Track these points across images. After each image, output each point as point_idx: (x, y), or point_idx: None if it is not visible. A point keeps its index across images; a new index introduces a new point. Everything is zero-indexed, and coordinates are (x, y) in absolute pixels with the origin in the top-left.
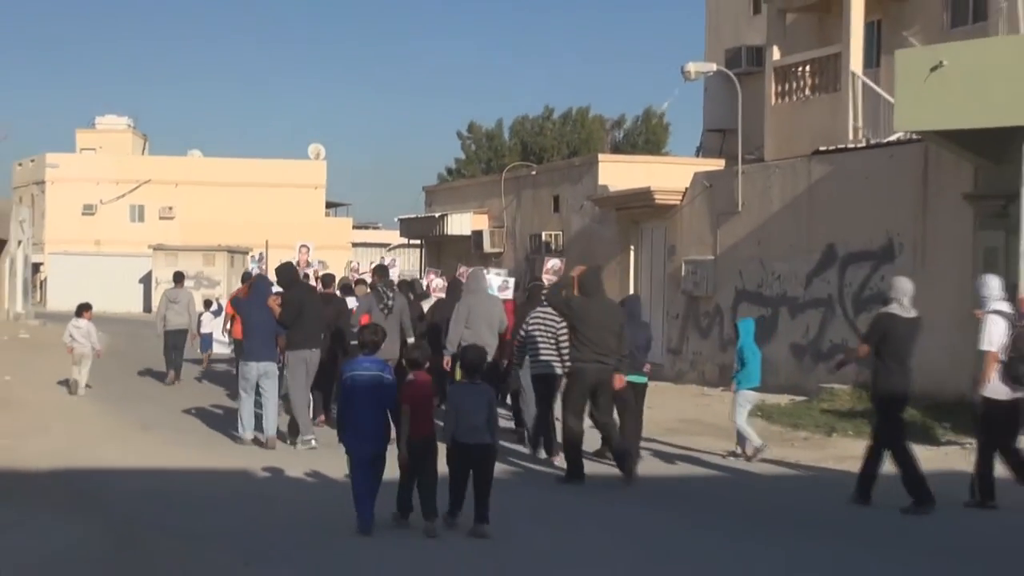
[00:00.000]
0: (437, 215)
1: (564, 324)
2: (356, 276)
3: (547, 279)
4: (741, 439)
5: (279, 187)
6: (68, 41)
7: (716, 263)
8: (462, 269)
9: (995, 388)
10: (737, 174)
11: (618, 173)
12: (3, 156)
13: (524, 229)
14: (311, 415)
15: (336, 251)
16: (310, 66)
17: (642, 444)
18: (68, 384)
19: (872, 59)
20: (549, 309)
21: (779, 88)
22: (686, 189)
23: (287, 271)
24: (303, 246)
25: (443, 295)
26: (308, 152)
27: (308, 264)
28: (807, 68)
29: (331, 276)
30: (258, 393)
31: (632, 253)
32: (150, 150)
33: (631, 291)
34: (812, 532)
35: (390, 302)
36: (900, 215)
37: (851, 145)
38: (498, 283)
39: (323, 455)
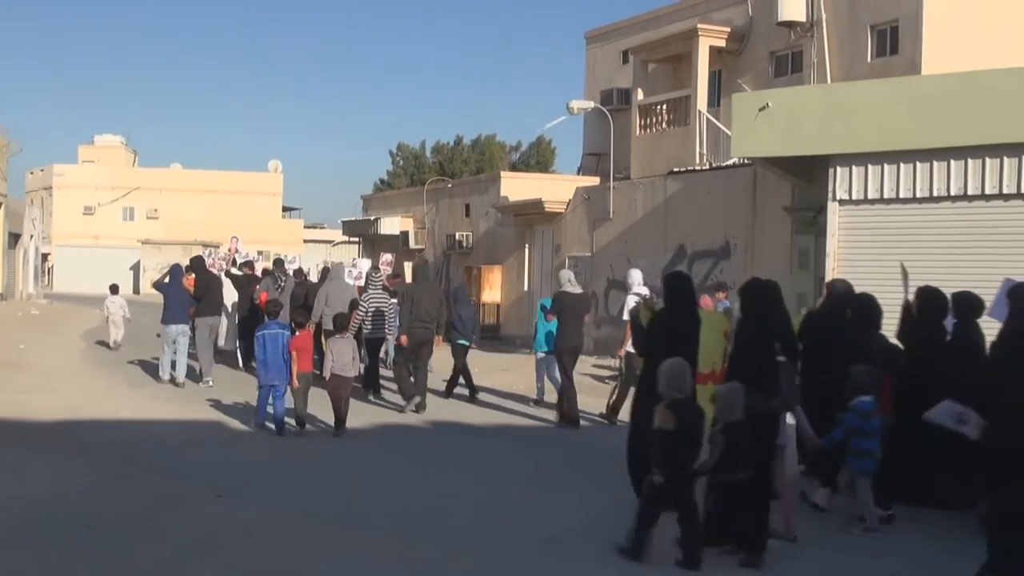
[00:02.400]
0: (372, 218)
1: (393, 302)
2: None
3: (384, 268)
4: (538, 390)
5: (244, 194)
6: (73, 72)
7: (592, 259)
8: (331, 262)
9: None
10: (610, 189)
11: (516, 187)
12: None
13: (442, 230)
14: (240, 363)
15: (290, 246)
16: (270, 93)
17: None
18: (108, 342)
19: (715, 100)
20: (381, 291)
21: (642, 121)
22: (569, 200)
23: (198, 262)
24: (233, 237)
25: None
26: (268, 166)
27: (237, 251)
28: (664, 106)
29: (251, 263)
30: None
31: (527, 250)
32: (139, 162)
33: (526, 280)
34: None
35: (282, 283)
36: (735, 222)
37: (698, 167)
38: (355, 274)
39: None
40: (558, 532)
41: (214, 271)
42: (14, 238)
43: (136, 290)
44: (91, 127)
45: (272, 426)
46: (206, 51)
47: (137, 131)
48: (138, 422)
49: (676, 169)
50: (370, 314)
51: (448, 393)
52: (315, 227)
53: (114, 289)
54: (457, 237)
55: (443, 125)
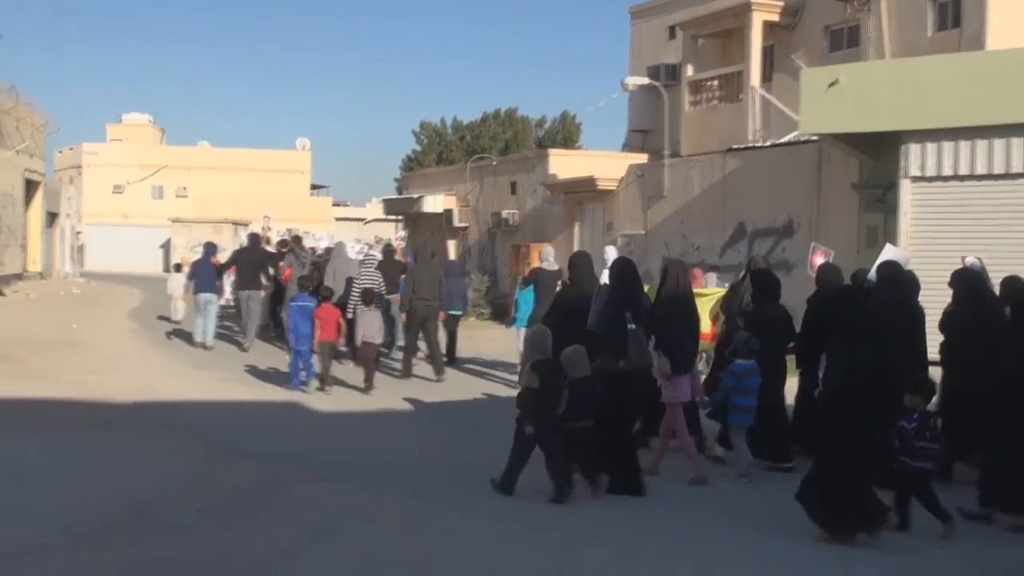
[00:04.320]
0: (415, 196)
1: (380, 278)
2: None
3: (397, 244)
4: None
5: (273, 172)
6: (99, 50)
7: (646, 236)
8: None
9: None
10: (664, 166)
11: (564, 164)
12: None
13: (486, 208)
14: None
15: (320, 224)
16: (295, 70)
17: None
18: (170, 317)
19: (767, 75)
20: (373, 271)
21: (692, 98)
22: (622, 177)
23: (253, 239)
24: (266, 216)
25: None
26: (296, 144)
27: (269, 229)
28: (715, 82)
29: (285, 241)
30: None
31: (576, 228)
32: (167, 141)
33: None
34: None
35: (304, 259)
36: (798, 200)
37: (750, 144)
38: (356, 249)
39: (347, 397)
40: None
41: (267, 248)
42: (51, 217)
43: (166, 268)
44: (118, 106)
45: (303, 388)
46: (231, 29)
47: (164, 109)
48: (212, 403)
49: (735, 146)
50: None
51: (451, 361)
52: (340, 205)
53: (177, 267)
54: (503, 215)
55: (468, 101)
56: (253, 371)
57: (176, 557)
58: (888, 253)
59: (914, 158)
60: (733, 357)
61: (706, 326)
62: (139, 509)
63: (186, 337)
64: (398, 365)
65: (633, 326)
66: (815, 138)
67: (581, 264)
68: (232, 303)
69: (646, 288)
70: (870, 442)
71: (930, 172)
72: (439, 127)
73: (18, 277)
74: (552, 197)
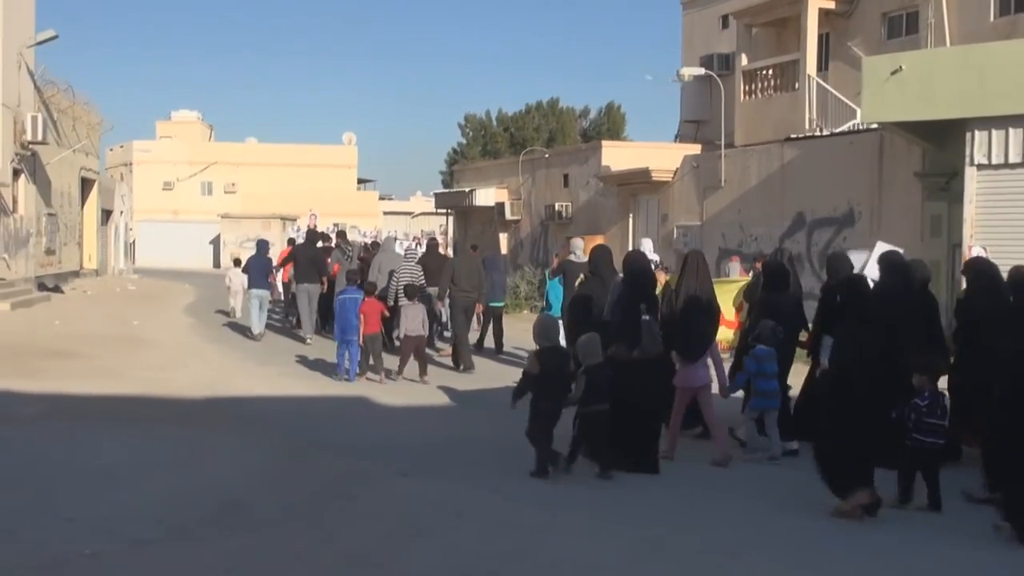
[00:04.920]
0: (467, 190)
1: (420, 272)
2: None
3: (440, 238)
4: None
5: (320, 167)
6: (149, 50)
7: (703, 227)
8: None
9: None
10: (720, 157)
11: (616, 155)
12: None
13: (539, 200)
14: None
15: (367, 218)
16: (340, 66)
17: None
18: (228, 311)
19: (823, 64)
20: (414, 265)
21: (747, 87)
22: (676, 168)
23: (312, 235)
24: (312, 214)
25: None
26: (342, 139)
27: (315, 226)
28: (770, 71)
29: (319, 235)
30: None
31: (631, 220)
32: (215, 137)
33: (631, 249)
34: None
35: (350, 253)
36: (859, 189)
37: (807, 134)
38: (405, 245)
39: (407, 389)
40: None
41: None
42: (106, 215)
43: (216, 263)
44: (167, 103)
45: (347, 378)
46: (276, 27)
47: (211, 107)
48: (278, 398)
49: (794, 136)
50: (401, 284)
51: (498, 351)
52: (384, 198)
53: (236, 262)
54: (556, 207)
55: (511, 93)
56: (310, 365)
57: (273, 551)
58: (880, 249)
59: (979, 145)
60: (756, 343)
61: (730, 314)
62: (229, 504)
63: (241, 331)
64: (440, 358)
65: (647, 317)
66: (875, 126)
67: (602, 257)
68: (282, 298)
69: (667, 279)
70: (870, 423)
71: (996, 159)
72: (484, 120)
73: (75, 274)
74: (605, 189)
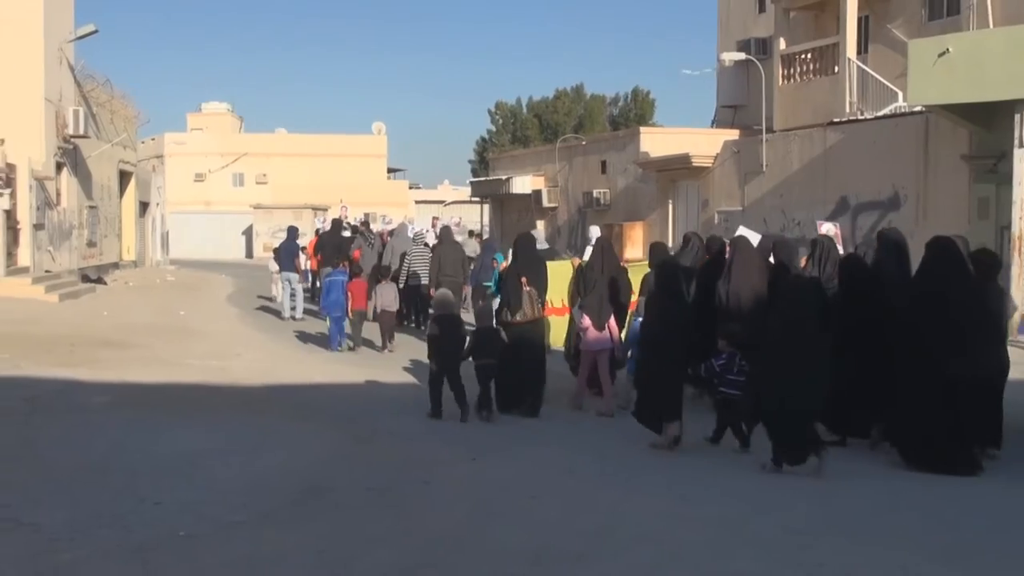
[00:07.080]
0: (503, 178)
1: (428, 254)
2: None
3: (455, 229)
4: None
5: (350, 157)
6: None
7: (744, 212)
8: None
9: None
10: (762, 141)
11: (655, 142)
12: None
13: (576, 188)
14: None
15: (397, 207)
16: (369, 56)
17: None
18: (271, 297)
19: (863, 47)
20: (423, 249)
21: (785, 72)
22: (716, 154)
23: (337, 224)
24: (343, 206)
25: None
26: (372, 129)
27: (346, 216)
28: (809, 55)
29: (355, 226)
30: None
31: (670, 206)
32: (245, 129)
33: (671, 236)
34: None
35: (373, 241)
36: (904, 172)
37: (849, 117)
38: (415, 231)
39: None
40: None
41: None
42: (143, 207)
43: (249, 254)
44: (197, 95)
45: (340, 348)
46: (304, 18)
47: (241, 98)
48: (332, 385)
49: (835, 119)
50: (411, 267)
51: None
52: (413, 187)
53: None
54: (594, 194)
55: (540, 80)
56: (356, 353)
57: (357, 534)
58: (742, 231)
59: None
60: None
61: (563, 296)
62: (309, 488)
63: (276, 314)
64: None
65: (528, 289)
66: (920, 109)
67: (523, 244)
68: (309, 283)
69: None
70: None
71: None
72: (515, 107)
73: (115, 266)
74: (644, 175)
